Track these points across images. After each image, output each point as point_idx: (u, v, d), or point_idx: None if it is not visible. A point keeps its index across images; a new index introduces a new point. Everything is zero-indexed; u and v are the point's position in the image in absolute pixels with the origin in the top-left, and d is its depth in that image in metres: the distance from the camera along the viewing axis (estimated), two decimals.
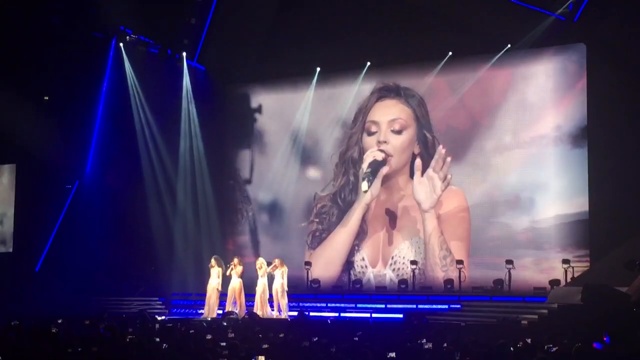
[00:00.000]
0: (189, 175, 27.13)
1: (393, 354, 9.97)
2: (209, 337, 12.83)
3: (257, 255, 25.34)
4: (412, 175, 24.74)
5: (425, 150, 24.66)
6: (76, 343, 11.33)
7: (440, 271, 23.88)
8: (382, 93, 25.52)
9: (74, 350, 10.78)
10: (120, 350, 11.11)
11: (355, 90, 26.05)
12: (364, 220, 25.38)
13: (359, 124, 25.73)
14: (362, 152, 25.45)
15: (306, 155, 26.96)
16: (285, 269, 21.44)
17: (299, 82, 27.01)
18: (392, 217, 25.09)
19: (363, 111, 25.70)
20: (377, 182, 24.80)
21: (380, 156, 24.80)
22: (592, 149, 22.28)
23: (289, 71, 26.58)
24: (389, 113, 25.26)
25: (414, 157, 24.79)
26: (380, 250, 25.12)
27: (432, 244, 24.10)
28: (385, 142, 24.93)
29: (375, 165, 24.77)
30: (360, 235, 25.44)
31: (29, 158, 25.38)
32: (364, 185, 24.61)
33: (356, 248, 25.44)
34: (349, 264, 25.17)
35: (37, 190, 25.45)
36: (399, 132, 24.95)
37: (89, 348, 11.05)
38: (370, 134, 25.37)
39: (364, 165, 24.97)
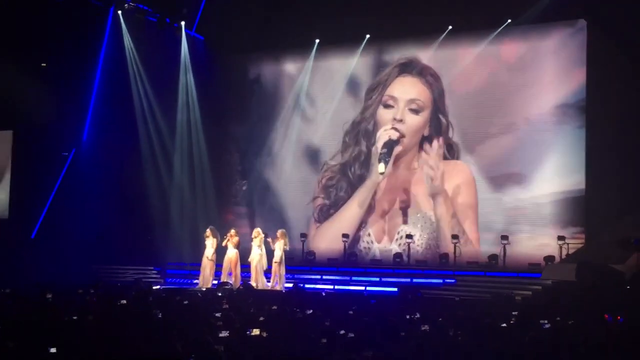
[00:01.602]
0: (186, 144, 27.09)
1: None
2: (204, 307, 12.87)
3: (253, 226, 25.35)
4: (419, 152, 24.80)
5: (436, 133, 24.49)
6: (70, 311, 11.34)
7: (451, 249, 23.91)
8: (404, 68, 25.22)
9: (69, 318, 10.80)
10: (114, 319, 11.12)
11: (354, 62, 25.95)
12: (373, 196, 25.30)
13: (376, 97, 25.47)
14: (376, 125, 25.30)
15: (305, 126, 26.90)
16: (286, 240, 21.49)
17: (298, 53, 26.90)
18: (398, 194, 25.02)
19: (382, 84, 25.45)
20: (390, 161, 24.68)
21: (395, 135, 24.60)
22: (590, 126, 22.26)
23: (289, 42, 26.45)
24: (409, 92, 25.01)
25: (422, 138, 24.71)
26: (386, 226, 25.09)
27: (443, 228, 24.13)
28: (401, 120, 24.75)
29: (390, 145, 24.60)
30: (368, 210, 25.40)
31: (26, 125, 25.26)
32: (381, 167, 24.32)
33: (363, 224, 25.40)
34: (354, 239, 25.15)
35: (33, 157, 25.35)
36: (416, 112, 24.74)
37: (84, 317, 11.08)
38: (386, 106, 25.16)
39: (379, 145, 24.75)
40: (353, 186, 25.67)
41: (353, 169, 25.72)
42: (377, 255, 24.85)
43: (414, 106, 24.76)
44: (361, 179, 25.53)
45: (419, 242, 24.27)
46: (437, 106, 24.65)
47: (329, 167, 26.24)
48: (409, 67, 25.18)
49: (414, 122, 24.73)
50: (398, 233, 24.81)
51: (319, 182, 26.34)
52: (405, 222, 24.75)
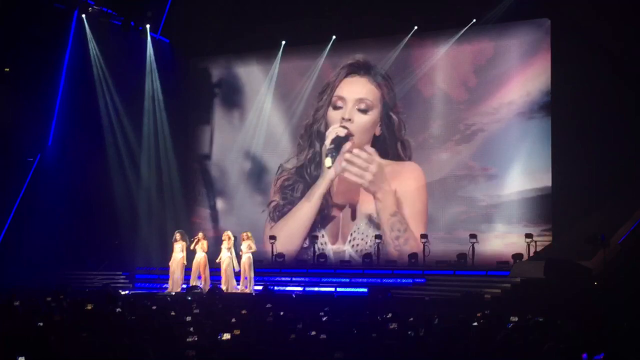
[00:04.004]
0: (153, 148, 26.91)
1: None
2: (173, 313, 12.79)
3: (220, 229, 25.29)
4: None
5: (388, 131, 24.70)
6: (38, 319, 11.21)
7: (394, 250, 24.09)
8: (352, 69, 25.42)
9: (37, 326, 10.67)
10: (83, 326, 11.01)
11: (321, 64, 25.97)
12: (327, 196, 25.37)
13: (326, 98, 25.66)
14: (327, 126, 25.42)
15: (271, 129, 26.86)
16: (252, 242, 21.44)
17: (264, 55, 26.85)
18: (351, 195, 25.11)
19: (331, 85, 25.62)
20: (341, 158, 24.82)
21: (342, 132, 24.82)
22: (556, 124, 22.44)
23: (255, 44, 26.38)
24: (357, 91, 25.20)
25: (374, 138, 24.83)
26: (340, 228, 25.18)
27: (384, 225, 24.33)
28: (349, 119, 24.91)
29: (338, 142, 24.78)
30: (321, 211, 25.45)
31: None
32: (328, 162, 24.69)
33: (318, 225, 25.45)
34: (310, 239, 25.19)
35: None
36: (364, 112, 24.92)
37: (53, 323, 10.96)
38: (335, 108, 25.34)
39: (327, 142, 24.99)
40: (309, 187, 25.73)
41: (309, 170, 25.84)
42: (331, 257, 24.87)
43: (362, 106, 24.93)
44: (317, 180, 25.59)
45: (370, 243, 24.37)
46: (388, 105, 24.78)
47: (284, 170, 26.31)
48: (356, 68, 25.40)
49: (362, 121, 24.91)
50: (351, 235, 24.91)
51: (274, 184, 26.38)
52: (357, 223, 24.88)
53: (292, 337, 9.69)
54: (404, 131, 24.61)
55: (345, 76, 25.50)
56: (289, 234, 25.64)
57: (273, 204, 26.39)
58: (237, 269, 21.37)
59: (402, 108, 24.76)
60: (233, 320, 11.34)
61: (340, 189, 25.28)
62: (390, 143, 24.67)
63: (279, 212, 26.25)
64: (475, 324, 11.35)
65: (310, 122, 25.96)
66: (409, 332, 10.22)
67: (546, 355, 8.32)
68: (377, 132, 24.85)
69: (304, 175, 25.94)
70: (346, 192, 25.19)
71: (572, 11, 21.61)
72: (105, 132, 25.90)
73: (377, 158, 24.52)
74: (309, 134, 25.96)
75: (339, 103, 25.30)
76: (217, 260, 21.51)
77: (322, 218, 25.46)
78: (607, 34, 21.04)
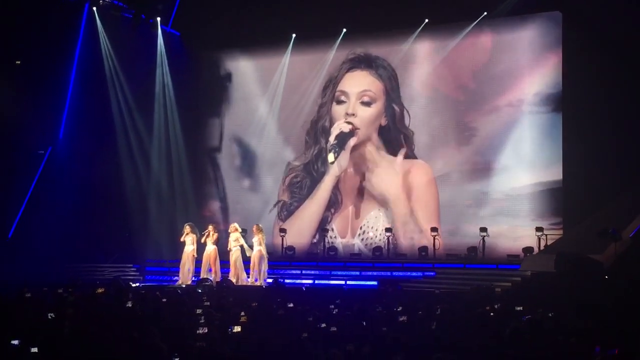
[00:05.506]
0: (163, 141, 26.95)
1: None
2: (184, 304, 12.82)
3: (230, 222, 25.29)
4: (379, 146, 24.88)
5: (392, 122, 24.70)
6: (50, 310, 11.24)
7: (404, 243, 24.18)
8: (353, 63, 25.46)
9: (49, 317, 10.71)
10: (95, 318, 11.05)
11: (332, 57, 25.94)
12: (336, 191, 25.36)
13: (329, 94, 25.69)
14: (332, 121, 25.40)
15: (281, 123, 26.86)
16: (262, 236, 21.43)
17: (275, 48, 26.81)
18: (360, 188, 25.10)
19: (333, 81, 25.64)
20: (346, 153, 24.80)
21: (347, 128, 24.77)
22: (567, 117, 22.38)
23: (265, 37, 26.34)
24: (359, 84, 25.21)
25: (380, 128, 24.81)
26: (350, 221, 25.17)
27: (394, 219, 24.35)
28: (353, 114, 24.89)
29: (342, 137, 24.75)
30: (332, 206, 25.45)
31: (1, 123, 25.01)
32: (330, 157, 24.70)
33: (328, 219, 25.44)
34: (320, 233, 25.19)
35: (9, 156, 25.12)
36: (367, 104, 24.91)
37: (64, 315, 10.99)
38: (339, 102, 25.31)
39: (331, 138, 24.97)
40: (317, 184, 25.72)
41: (316, 166, 25.82)
42: (340, 251, 24.86)
43: (365, 98, 24.92)
44: (324, 176, 25.58)
45: (380, 237, 24.36)
46: (391, 96, 24.76)
47: (292, 167, 26.31)
48: (357, 62, 25.44)
49: (366, 114, 24.89)
50: (361, 228, 24.91)
51: (282, 182, 26.39)
52: (366, 216, 24.89)
53: (305, 335, 9.65)
54: (408, 122, 24.56)
55: (347, 71, 25.54)
56: (299, 231, 25.62)
57: (281, 203, 26.39)
58: (248, 254, 21.29)
59: (407, 102, 24.71)
60: (243, 313, 11.35)
61: (347, 183, 25.26)
62: (394, 134, 24.66)
63: (287, 211, 26.26)
64: (485, 317, 11.34)
65: (315, 119, 25.96)
66: (432, 325, 10.19)
67: (557, 349, 8.31)
68: (383, 122, 24.85)
69: (311, 171, 25.93)
70: (353, 186, 25.17)
71: (583, 4, 21.52)
72: (116, 125, 25.95)
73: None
74: (315, 131, 25.96)
75: (342, 97, 25.30)
76: (229, 248, 21.53)
77: (331, 213, 25.42)
78: (619, 27, 20.94)
